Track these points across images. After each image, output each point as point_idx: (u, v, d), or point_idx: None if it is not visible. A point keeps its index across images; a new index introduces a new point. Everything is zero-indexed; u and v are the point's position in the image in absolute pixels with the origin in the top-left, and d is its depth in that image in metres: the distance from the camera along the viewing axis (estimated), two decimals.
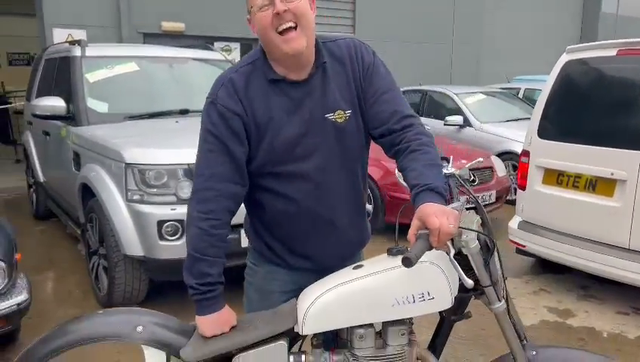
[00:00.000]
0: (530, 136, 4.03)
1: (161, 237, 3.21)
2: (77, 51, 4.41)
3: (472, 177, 5.86)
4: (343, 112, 1.53)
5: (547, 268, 4.33)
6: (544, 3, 13.68)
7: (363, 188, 1.68)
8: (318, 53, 1.52)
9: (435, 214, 1.25)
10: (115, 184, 3.45)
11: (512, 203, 4.33)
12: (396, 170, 1.59)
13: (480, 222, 1.40)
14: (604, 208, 3.51)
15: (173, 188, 3.28)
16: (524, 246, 4.06)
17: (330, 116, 1.52)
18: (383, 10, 11.18)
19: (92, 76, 4.32)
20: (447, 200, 1.38)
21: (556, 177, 3.84)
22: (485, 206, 5.39)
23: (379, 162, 5.18)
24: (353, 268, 1.47)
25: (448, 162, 1.74)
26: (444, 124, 7.21)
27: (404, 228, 1.36)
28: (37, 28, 9.12)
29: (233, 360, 1.43)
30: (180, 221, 3.18)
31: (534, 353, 1.54)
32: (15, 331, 2.83)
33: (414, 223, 1.29)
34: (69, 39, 5.49)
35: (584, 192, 3.65)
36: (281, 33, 1.41)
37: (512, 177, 6.01)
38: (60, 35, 7.76)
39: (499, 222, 5.62)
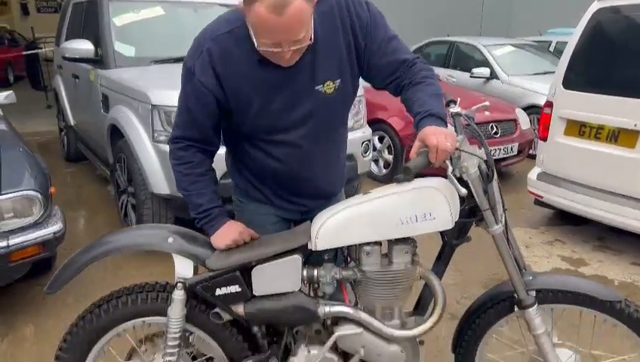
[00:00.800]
0: (555, 87, 3.98)
1: None
2: None
3: (495, 129, 5.78)
4: (332, 83, 1.53)
5: (565, 220, 4.36)
6: None
7: (344, 144, 1.77)
8: None
9: (434, 133, 1.36)
10: (142, 125, 3.57)
11: (535, 157, 4.33)
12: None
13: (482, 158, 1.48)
14: (626, 160, 3.49)
15: None
16: (541, 197, 4.08)
17: (319, 87, 1.53)
18: None
19: (119, 20, 4.38)
20: None
21: (578, 128, 3.81)
22: (507, 159, 5.39)
23: (401, 112, 5.19)
24: (363, 194, 1.56)
25: (456, 103, 1.79)
26: (470, 76, 7.10)
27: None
28: None
29: (253, 270, 1.55)
30: None
31: (531, 278, 1.62)
32: (51, 258, 3.02)
33: (415, 144, 1.39)
34: None
35: (606, 143, 3.63)
36: None
37: (535, 131, 5.95)
38: None
39: (520, 175, 5.63)
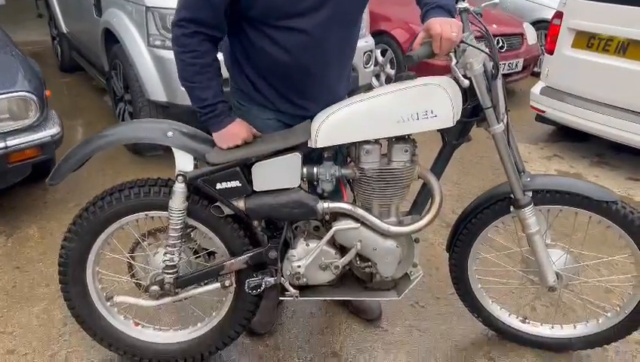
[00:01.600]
0: None
1: None
2: None
3: (501, 43, 5.59)
4: None
5: (565, 137, 4.35)
6: None
7: (355, 45, 1.69)
8: None
9: (439, 23, 1.33)
10: (137, 29, 3.44)
11: (539, 75, 4.24)
12: None
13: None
14: (632, 73, 3.42)
15: None
16: (544, 112, 4.04)
17: None
18: None
19: None
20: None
21: (587, 40, 3.69)
22: (511, 74, 5.27)
23: (406, 24, 5.01)
24: (364, 93, 1.53)
25: (464, 0, 1.73)
26: None
27: None
28: None
29: (253, 167, 1.56)
30: None
31: (529, 179, 1.63)
32: (50, 161, 3.02)
33: (420, 34, 1.37)
34: None
35: (614, 56, 3.54)
36: None
37: (542, 48, 5.78)
38: None
39: (522, 93, 5.54)
